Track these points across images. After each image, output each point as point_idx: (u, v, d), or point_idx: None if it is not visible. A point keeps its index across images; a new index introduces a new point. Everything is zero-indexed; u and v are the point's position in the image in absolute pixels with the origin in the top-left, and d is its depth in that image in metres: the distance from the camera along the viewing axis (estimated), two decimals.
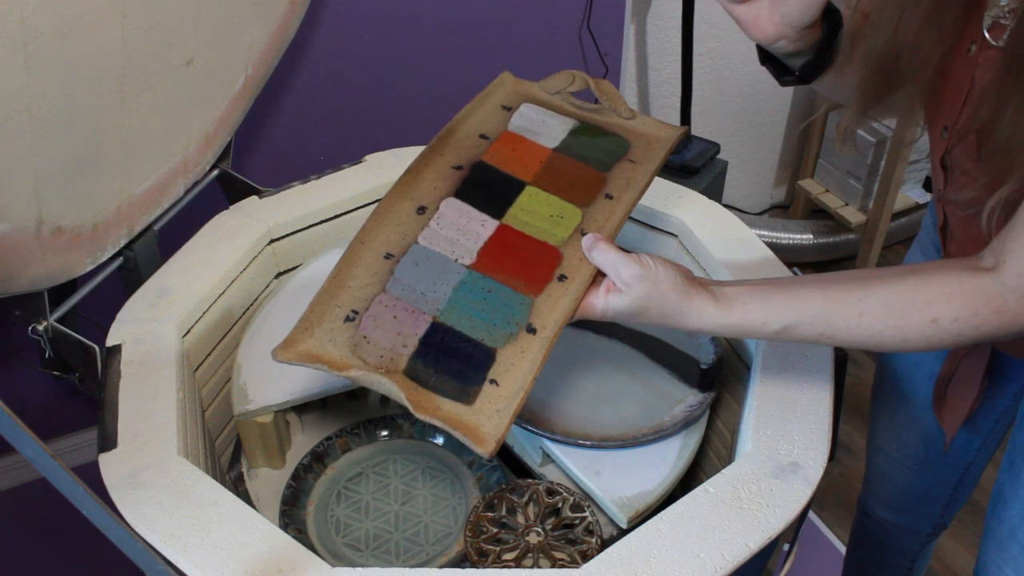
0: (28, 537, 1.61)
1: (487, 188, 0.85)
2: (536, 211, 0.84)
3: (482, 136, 0.90)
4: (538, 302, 0.78)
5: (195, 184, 1.17)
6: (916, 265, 0.72)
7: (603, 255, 0.73)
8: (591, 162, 0.88)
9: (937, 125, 0.80)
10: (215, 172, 1.21)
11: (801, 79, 0.84)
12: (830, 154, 2.28)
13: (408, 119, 1.73)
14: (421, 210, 0.83)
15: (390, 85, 1.68)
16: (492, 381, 0.75)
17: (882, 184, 2.10)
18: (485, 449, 0.71)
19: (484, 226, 0.82)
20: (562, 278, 0.79)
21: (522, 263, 0.80)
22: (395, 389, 0.73)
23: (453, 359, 0.75)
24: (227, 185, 1.22)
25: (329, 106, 1.65)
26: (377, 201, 1.13)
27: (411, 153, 1.18)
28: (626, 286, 0.71)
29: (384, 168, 1.15)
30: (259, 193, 1.12)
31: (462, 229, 0.82)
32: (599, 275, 0.75)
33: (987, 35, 0.72)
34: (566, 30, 1.81)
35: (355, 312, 0.77)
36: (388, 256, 0.80)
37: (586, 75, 0.93)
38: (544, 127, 0.92)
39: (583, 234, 0.78)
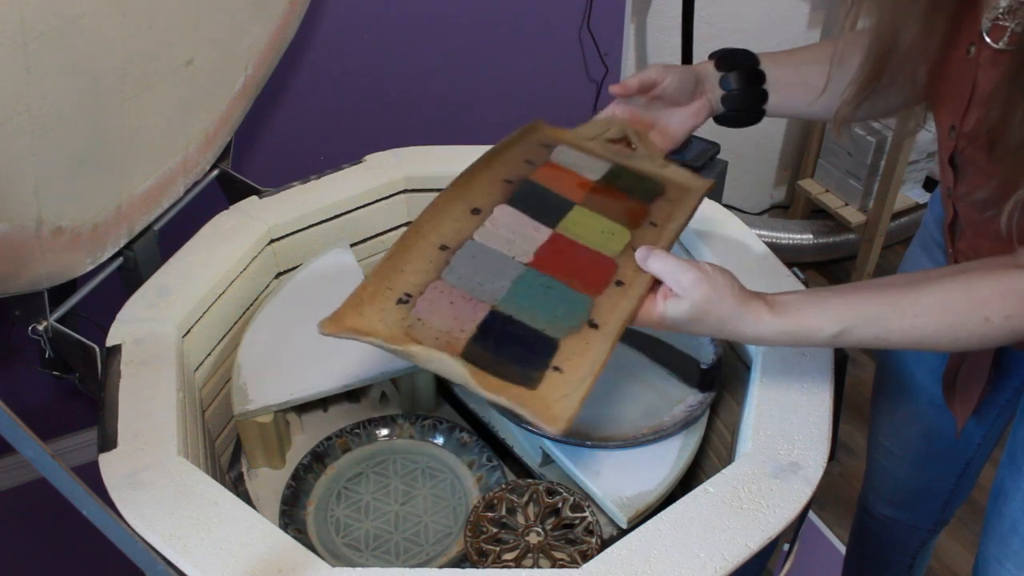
0: (28, 537, 1.61)
1: (538, 202, 0.84)
2: (587, 225, 0.83)
3: (527, 161, 0.89)
4: (598, 301, 0.76)
5: (195, 184, 1.17)
6: (962, 266, 0.73)
7: (660, 262, 0.72)
8: (633, 194, 0.88)
9: (944, 124, 0.81)
10: (215, 172, 1.21)
11: (733, 124, 0.96)
12: (830, 154, 2.28)
13: (408, 119, 1.73)
14: (475, 211, 0.82)
15: (390, 85, 1.68)
16: (556, 368, 0.71)
17: (882, 184, 2.10)
18: (556, 427, 0.67)
19: (538, 232, 0.81)
20: (619, 283, 0.77)
21: (578, 268, 0.79)
22: (456, 366, 0.69)
23: (514, 346, 0.72)
24: (227, 185, 1.22)
25: (329, 106, 1.65)
26: (379, 200, 1.14)
27: (411, 153, 1.18)
28: (685, 291, 0.70)
29: (384, 168, 1.15)
30: (259, 193, 1.12)
31: (516, 232, 0.81)
32: (655, 284, 0.74)
33: (985, 36, 0.72)
34: (566, 30, 1.81)
35: (408, 295, 0.74)
36: (443, 248, 0.78)
37: (624, 122, 0.93)
38: (584, 167, 0.91)
39: (634, 250, 0.77)
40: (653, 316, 0.72)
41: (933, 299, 0.69)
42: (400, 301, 0.73)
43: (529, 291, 0.76)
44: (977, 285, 0.69)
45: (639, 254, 0.74)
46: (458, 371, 0.69)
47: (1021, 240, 0.70)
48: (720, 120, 0.96)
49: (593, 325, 0.74)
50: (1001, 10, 0.71)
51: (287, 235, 1.09)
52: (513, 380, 0.69)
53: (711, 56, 0.94)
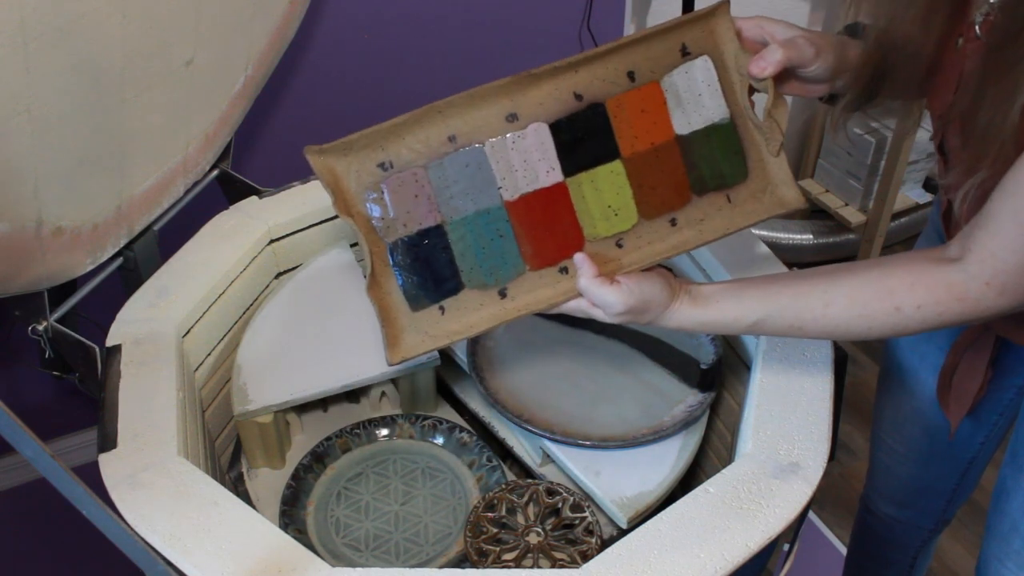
0: (28, 537, 1.61)
1: (583, 136, 0.80)
2: (602, 191, 0.80)
3: (630, 75, 0.81)
4: (528, 276, 0.79)
5: (195, 184, 1.17)
6: (882, 258, 0.75)
7: (587, 287, 0.75)
8: (693, 175, 0.82)
9: (935, 113, 0.83)
10: (215, 172, 1.21)
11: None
12: (830, 154, 2.28)
13: None
14: (511, 118, 0.79)
15: (390, 85, 1.68)
16: (441, 308, 0.78)
17: (882, 184, 2.10)
18: (391, 357, 0.77)
19: (548, 175, 0.79)
20: (563, 270, 0.79)
21: (545, 232, 0.79)
22: (368, 259, 0.76)
23: (429, 268, 0.78)
24: (227, 185, 1.21)
25: (329, 106, 1.65)
26: None
27: None
28: (607, 316, 0.76)
29: None
30: (259, 193, 1.12)
31: (528, 162, 0.79)
32: None
33: (978, 30, 0.74)
34: (566, 30, 1.81)
35: (391, 164, 0.78)
36: (451, 138, 0.78)
37: (774, 86, 0.80)
38: (692, 104, 0.82)
39: (618, 245, 0.80)
40: (580, 308, 0.77)
41: (844, 289, 0.72)
42: (380, 164, 0.78)
43: (482, 229, 0.79)
44: (888, 276, 0.71)
45: (579, 263, 0.76)
46: (368, 263, 0.76)
47: (966, 226, 0.71)
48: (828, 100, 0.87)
49: (503, 294, 0.79)
50: (993, 5, 0.72)
51: (287, 235, 1.09)
52: (404, 292, 0.78)
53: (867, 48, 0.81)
